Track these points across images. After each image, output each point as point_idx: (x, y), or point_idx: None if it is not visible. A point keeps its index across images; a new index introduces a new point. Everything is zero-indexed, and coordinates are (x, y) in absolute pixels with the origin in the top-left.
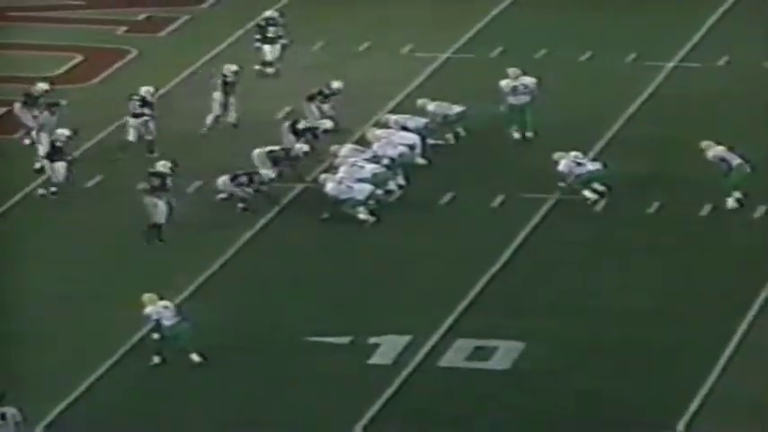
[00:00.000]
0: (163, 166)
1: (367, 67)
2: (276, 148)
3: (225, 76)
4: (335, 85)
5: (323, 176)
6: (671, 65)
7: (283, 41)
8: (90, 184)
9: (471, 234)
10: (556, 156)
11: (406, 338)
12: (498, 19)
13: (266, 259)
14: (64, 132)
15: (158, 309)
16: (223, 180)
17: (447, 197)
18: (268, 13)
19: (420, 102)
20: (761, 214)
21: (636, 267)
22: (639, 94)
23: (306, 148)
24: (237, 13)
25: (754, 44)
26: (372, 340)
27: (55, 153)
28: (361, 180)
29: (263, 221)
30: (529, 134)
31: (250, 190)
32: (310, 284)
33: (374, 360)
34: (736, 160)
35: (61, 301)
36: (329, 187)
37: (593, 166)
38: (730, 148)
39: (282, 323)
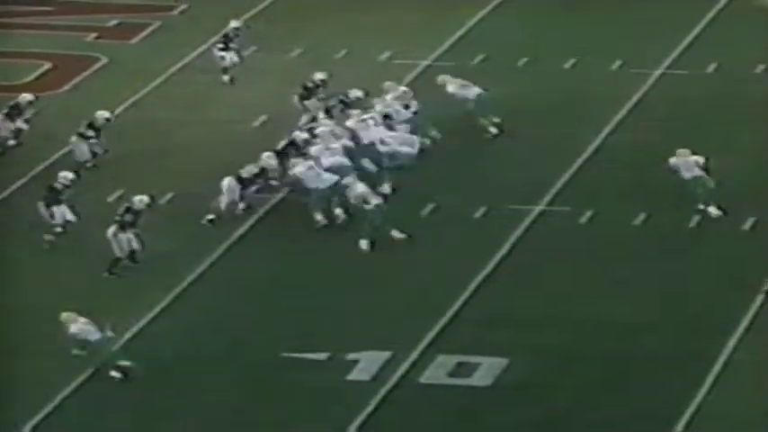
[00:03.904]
0: (140, 201)
1: (345, 74)
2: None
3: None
4: (319, 76)
5: (293, 160)
6: (658, 72)
7: (242, 53)
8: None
9: (453, 246)
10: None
11: (386, 354)
12: (480, 26)
13: (241, 273)
14: (67, 175)
15: (81, 326)
16: (228, 182)
17: (428, 208)
18: (234, 24)
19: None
20: (749, 226)
21: (621, 280)
22: (626, 102)
23: (305, 135)
24: (209, 20)
25: (742, 51)
26: (351, 356)
27: (53, 197)
28: (327, 169)
29: (238, 233)
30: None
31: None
32: (286, 298)
33: (353, 376)
34: (690, 173)
35: (29, 315)
36: (298, 170)
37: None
38: (706, 160)
39: (258, 338)
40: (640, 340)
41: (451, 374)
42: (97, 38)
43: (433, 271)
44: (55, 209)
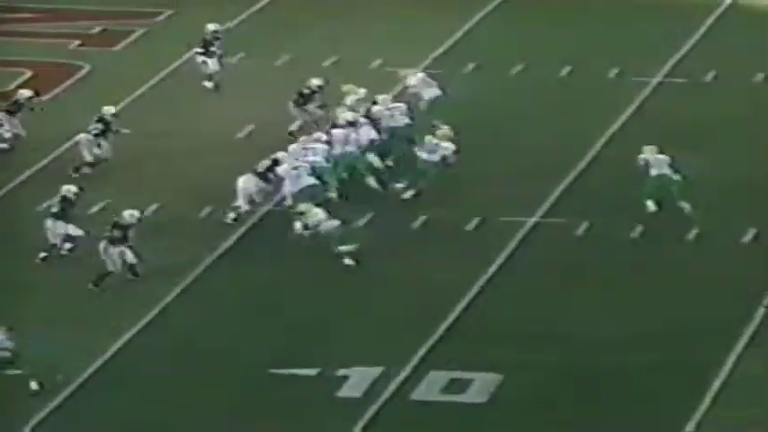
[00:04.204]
0: (130, 216)
1: (335, 82)
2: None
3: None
4: (315, 82)
5: (280, 154)
6: (656, 80)
7: (222, 59)
8: (44, 206)
9: (445, 259)
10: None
11: (377, 370)
12: (472, 33)
13: (227, 287)
14: (71, 189)
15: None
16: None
17: (420, 220)
18: (212, 27)
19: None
20: (749, 239)
21: (619, 294)
22: (623, 111)
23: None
24: (193, 27)
25: (742, 59)
26: (341, 372)
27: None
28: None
29: (224, 246)
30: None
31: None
32: (274, 312)
33: (343, 393)
34: (658, 170)
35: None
36: (281, 169)
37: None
38: (672, 158)
39: (245, 354)
40: (638, 355)
41: (444, 391)
42: (80, 45)
43: (424, 285)
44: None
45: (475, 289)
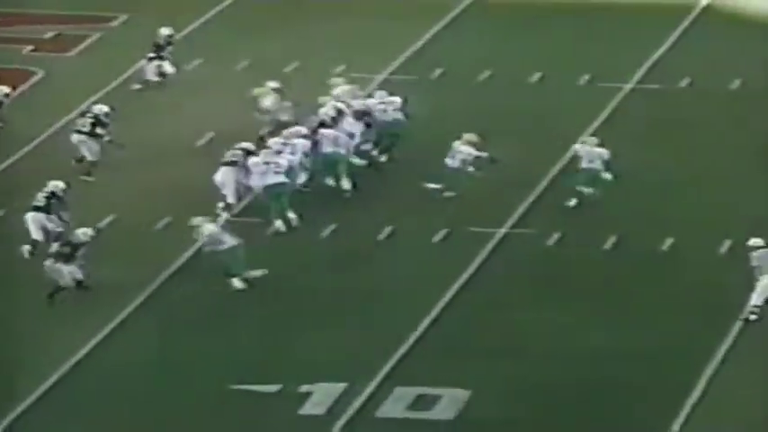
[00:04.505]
0: (83, 234)
1: (296, 89)
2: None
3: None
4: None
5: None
6: (629, 86)
7: (171, 58)
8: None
9: (411, 272)
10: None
11: (341, 386)
12: (439, 37)
13: (185, 300)
14: (58, 185)
15: None
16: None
17: (385, 231)
18: (166, 32)
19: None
20: (726, 249)
21: (591, 307)
22: (594, 119)
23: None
24: (149, 32)
25: (718, 65)
26: (304, 388)
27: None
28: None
29: (184, 258)
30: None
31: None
32: (235, 326)
33: (306, 410)
34: (588, 164)
35: None
36: (251, 162)
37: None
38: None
39: (204, 369)
40: (612, 370)
41: (411, 408)
42: (33, 50)
43: (390, 298)
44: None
45: (442, 302)
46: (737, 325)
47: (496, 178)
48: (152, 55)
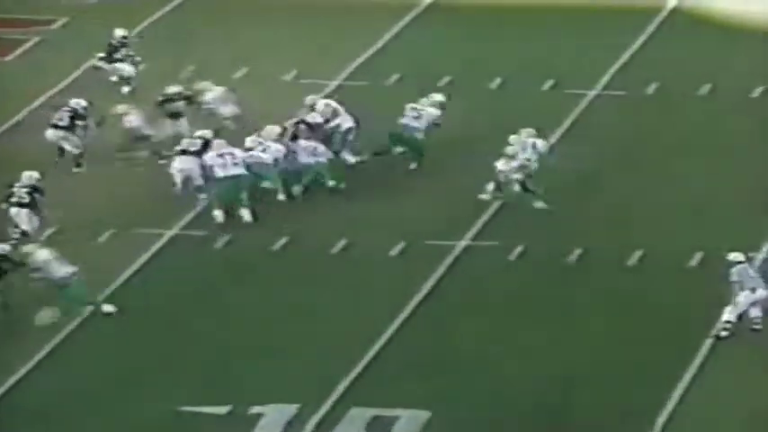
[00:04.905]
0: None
1: (245, 96)
2: None
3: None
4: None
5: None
6: (593, 93)
7: (137, 60)
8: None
9: (367, 287)
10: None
11: (293, 408)
12: (395, 42)
13: (131, 316)
14: (33, 175)
15: None
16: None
17: (339, 245)
18: (120, 33)
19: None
20: (697, 261)
21: (555, 323)
22: (558, 126)
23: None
24: (93, 35)
25: (686, 69)
26: (254, 410)
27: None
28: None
29: (129, 272)
30: None
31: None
32: (182, 345)
33: None
34: (524, 155)
35: None
36: (207, 156)
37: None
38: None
39: (150, 390)
40: (576, 392)
41: (367, 430)
42: None
43: (344, 315)
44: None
45: (400, 318)
46: (707, 342)
47: (456, 189)
48: (102, 55)
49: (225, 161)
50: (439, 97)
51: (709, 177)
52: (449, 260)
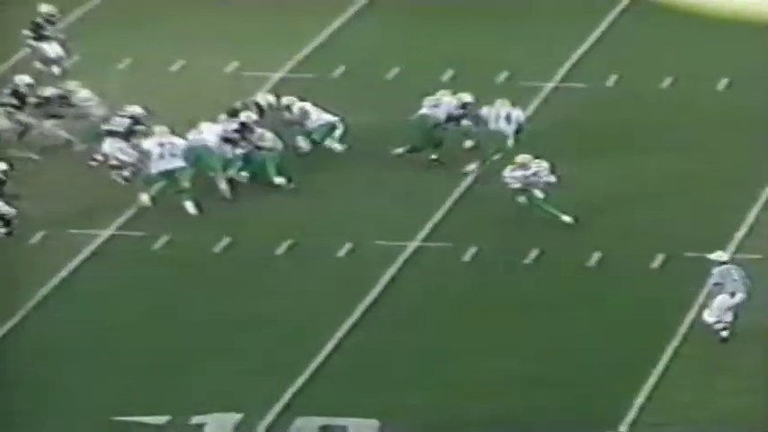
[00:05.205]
0: None
1: (183, 89)
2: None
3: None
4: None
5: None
6: (550, 85)
7: (62, 38)
8: None
9: (313, 291)
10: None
11: (236, 417)
12: (341, 33)
13: (62, 322)
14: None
15: None
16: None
17: (284, 246)
18: (45, 9)
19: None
20: (659, 263)
21: (512, 328)
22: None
23: None
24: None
25: (648, 61)
26: (195, 420)
27: None
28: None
29: (60, 276)
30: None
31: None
32: (116, 351)
33: None
34: (495, 125)
35: None
36: (147, 143)
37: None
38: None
39: (83, 398)
40: (533, 400)
41: None
42: None
43: (289, 319)
44: None
45: (348, 324)
46: (672, 345)
47: (406, 187)
48: (31, 35)
49: (163, 151)
50: (466, 97)
51: (672, 174)
52: (399, 262)
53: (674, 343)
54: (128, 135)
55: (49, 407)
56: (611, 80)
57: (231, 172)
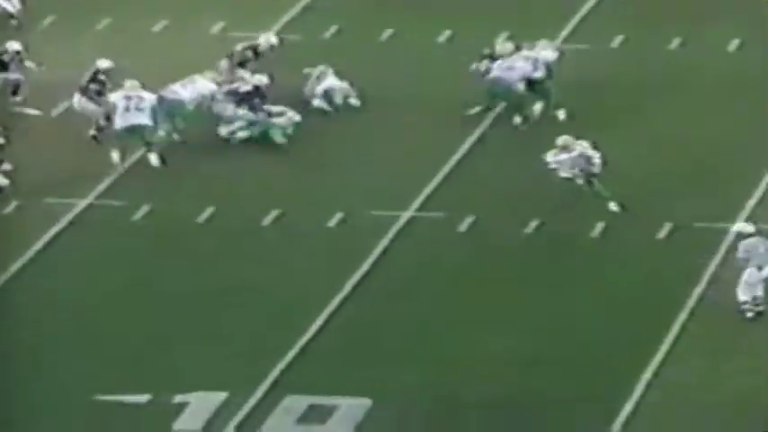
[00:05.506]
0: None
1: (165, 51)
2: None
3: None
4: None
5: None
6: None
7: None
8: None
9: (302, 262)
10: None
11: (221, 396)
12: None
13: (39, 298)
14: None
15: None
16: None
17: (272, 216)
18: None
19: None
20: (665, 233)
21: (509, 302)
22: None
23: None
24: None
25: (655, 21)
26: (178, 398)
27: None
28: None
29: (34, 250)
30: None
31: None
32: (96, 327)
33: (181, 424)
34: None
35: None
36: (114, 96)
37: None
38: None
39: (64, 378)
40: (531, 379)
41: (301, 420)
42: None
43: (276, 292)
44: None
45: (338, 298)
46: (679, 321)
47: (400, 154)
48: None
49: (129, 104)
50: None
51: (679, 140)
52: (392, 233)
53: (682, 318)
54: (95, 91)
55: (26, 383)
56: (617, 41)
57: (237, 132)
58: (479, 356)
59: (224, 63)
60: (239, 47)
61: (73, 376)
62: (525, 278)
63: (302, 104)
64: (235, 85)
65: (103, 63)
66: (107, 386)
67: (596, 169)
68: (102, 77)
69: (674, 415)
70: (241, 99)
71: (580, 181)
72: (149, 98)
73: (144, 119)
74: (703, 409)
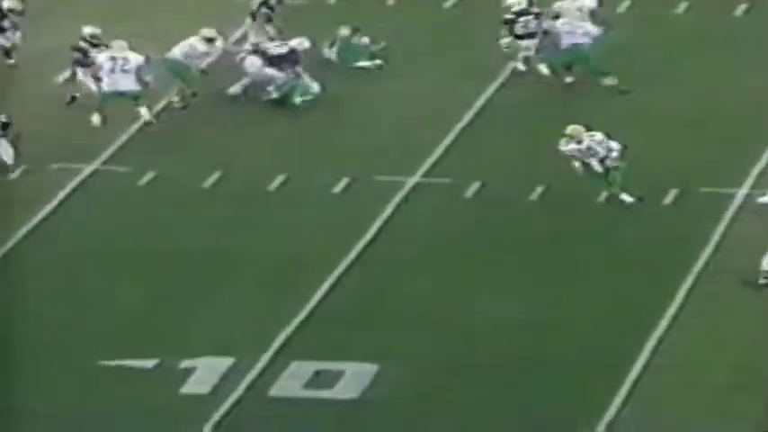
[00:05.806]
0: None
1: (167, 13)
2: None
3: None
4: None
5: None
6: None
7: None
8: None
9: (308, 227)
10: None
11: (228, 361)
12: None
13: (43, 265)
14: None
15: None
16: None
17: (277, 181)
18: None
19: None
20: (671, 199)
21: (515, 268)
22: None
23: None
24: None
25: None
26: (185, 363)
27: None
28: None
29: (39, 216)
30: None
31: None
32: (103, 292)
33: (188, 389)
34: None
35: None
36: (101, 56)
37: None
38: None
39: (69, 343)
40: (538, 344)
41: (308, 385)
42: None
43: (282, 258)
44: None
45: (344, 263)
46: (685, 286)
47: (406, 119)
48: None
49: (114, 65)
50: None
51: (685, 105)
52: (398, 198)
53: (688, 283)
54: (78, 59)
55: (32, 348)
56: (623, 6)
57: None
58: (485, 321)
59: (248, 21)
60: (254, 4)
61: (79, 342)
62: (531, 243)
63: (319, 65)
64: (270, 45)
65: (87, 29)
66: (113, 352)
67: (613, 162)
68: (83, 45)
69: (679, 379)
70: (271, 60)
71: (598, 169)
72: (135, 59)
73: (131, 84)
74: (708, 373)
